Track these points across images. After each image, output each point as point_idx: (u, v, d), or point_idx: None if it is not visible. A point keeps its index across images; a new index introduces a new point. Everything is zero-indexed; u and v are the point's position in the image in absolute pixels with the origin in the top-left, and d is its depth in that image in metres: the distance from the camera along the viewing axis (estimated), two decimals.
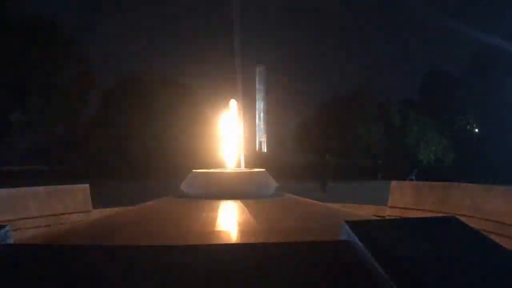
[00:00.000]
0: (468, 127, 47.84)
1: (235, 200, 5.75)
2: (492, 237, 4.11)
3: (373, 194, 18.14)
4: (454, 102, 44.42)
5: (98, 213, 8.88)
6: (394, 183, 10.11)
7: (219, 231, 4.48)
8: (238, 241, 4.13)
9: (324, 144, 42.16)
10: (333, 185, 24.56)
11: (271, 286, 2.57)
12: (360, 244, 2.91)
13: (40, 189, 8.52)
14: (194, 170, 6.88)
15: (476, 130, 47.20)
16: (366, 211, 9.40)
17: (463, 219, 3.87)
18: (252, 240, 4.13)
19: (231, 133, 7.66)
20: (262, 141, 77.01)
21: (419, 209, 8.97)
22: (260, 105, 79.61)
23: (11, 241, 3.20)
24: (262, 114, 79.80)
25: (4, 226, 3.19)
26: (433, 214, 8.15)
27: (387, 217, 9.19)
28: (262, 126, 79.13)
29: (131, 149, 40.27)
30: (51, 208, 8.32)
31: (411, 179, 23.52)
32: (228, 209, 5.45)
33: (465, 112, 46.04)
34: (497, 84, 41.22)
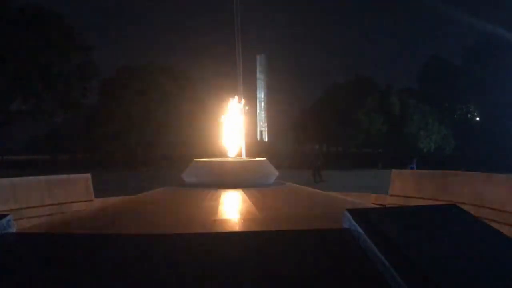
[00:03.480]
0: (469, 115, 47.80)
1: (236, 189, 5.76)
2: (493, 225, 4.13)
3: (373, 183, 18.21)
4: (454, 90, 44.31)
5: (100, 202, 8.91)
6: (394, 171, 10.12)
7: (220, 220, 4.50)
8: (240, 230, 4.14)
9: (324, 133, 42.21)
10: (318, 178, 23.37)
11: (273, 274, 2.58)
12: (361, 232, 2.92)
13: (42, 178, 8.54)
14: (195, 159, 6.89)
15: (477, 118, 47.17)
16: (366, 200, 9.43)
17: (463, 207, 3.88)
18: (253, 228, 4.15)
19: (232, 123, 7.65)
20: (263, 130, 77.16)
21: (419, 198, 8.99)
22: (261, 94, 79.67)
23: (13, 230, 3.21)
24: (263, 103, 79.89)
25: (6, 215, 3.20)
26: (434, 202, 8.16)
27: (387, 206, 9.22)
28: (263, 115, 79.23)
29: (132, 138, 40.29)
30: (53, 198, 8.35)
31: (412, 168, 23.42)
32: (229, 198, 5.46)
33: (465, 100, 45.95)
34: (498, 73, 41.07)
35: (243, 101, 7.64)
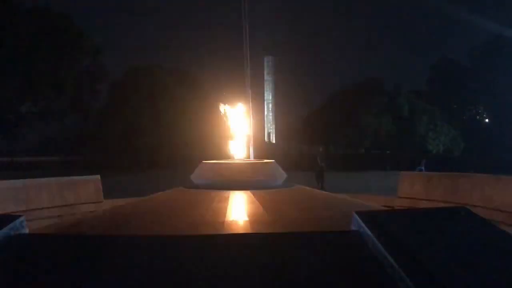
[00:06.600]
0: (478, 117, 47.41)
1: (244, 191, 5.78)
2: (503, 227, 4.11)
3: (382, 185, 18.12)
4: (463, 91, 44.00)
5: (109, 204, 8.97)
6: (403, 173, 10.08)
7: (229, 222, 4.52)
8: (248, 231, 4.16)
9: (332, 134, 42.07)
10: (320, 182, 20.61)
11: (281, 276, 2.59)
12: (370, 234, 2.92)
13: (53, 180, 8.62)
14: (204, 161, 6.92)
15: (486, 120, 46.78)
16: (375, 202, 9.40)
17: (473, 209, 3.86)
18: (262, 230, 4.16)
19: (240, 126, 7.68)
20: (270, 132, 77.14)
21: (428, 200, 8.95)
22: (268, 96, 79.69)
23: (26, 231, 3.25)
24: (270, 105, 79.87)
25: (19, 216, 3.25)
26: (443, 205, 8.12)
27: (396, 208, 9.19)
28: (270, 117, 79.19)
29: (141, 140, 40.44)
30: (64, 199, 8.43)
31: (420, 170, 23.14)
32: (237, 200, 5.48)
33: (475, 102, 45.59)
34: (507, 74, 40.73)
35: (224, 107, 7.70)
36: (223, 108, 7.69)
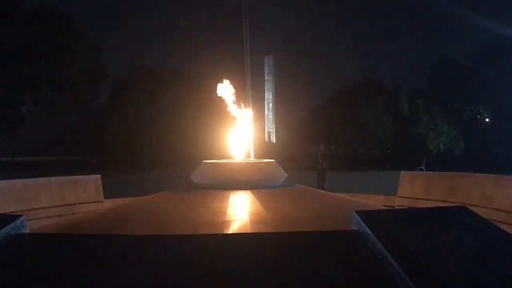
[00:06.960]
0: (478, 116, 47.38)
1: (245, 191, 5.79)
2: (502, 227, 4.10)
3: (382, 184, 18.11)
4: (463, 91, 43.97)
5: (109, 204, 8.97)
6: (403, 173, 10.06)
7: (229, 221, 4.52)
8: (249, 231, 4.16)
9: (333, 134, 42.07)
10: (321, 182, 19.67)
11: (282, 275, 2.60)
12: (370, 233, 2.92)
13: (53, 179, 8.61)
14: (204, 161, 6.92)
15: (487, 119, 46.76)
16: (375, 201, 9.40)
17: (473, 208, 3.86)
18: (262, 230, 4.16)
19: (240, 124, 7.68)
20: (271, 131, 77.11)
21: (428, 199, 8.94)
22: (269, 95, 79.66)
23: (26, 230, 3.26)
24: (271, 105, 79.84)
25: (19, 216, 3.25)
26: (443, 204, 8.12)
27: (396, 207, 9.18)
28: (271, 116, 79.15)
29: (141, 140, 40.47)
30: (64, 199, 8.43)
31: (421, 169, 23.07)
32: (238, 199, 5.48)
33: (475, 101, 45.57)
34: (508, 74, 40.72)
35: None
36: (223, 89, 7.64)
